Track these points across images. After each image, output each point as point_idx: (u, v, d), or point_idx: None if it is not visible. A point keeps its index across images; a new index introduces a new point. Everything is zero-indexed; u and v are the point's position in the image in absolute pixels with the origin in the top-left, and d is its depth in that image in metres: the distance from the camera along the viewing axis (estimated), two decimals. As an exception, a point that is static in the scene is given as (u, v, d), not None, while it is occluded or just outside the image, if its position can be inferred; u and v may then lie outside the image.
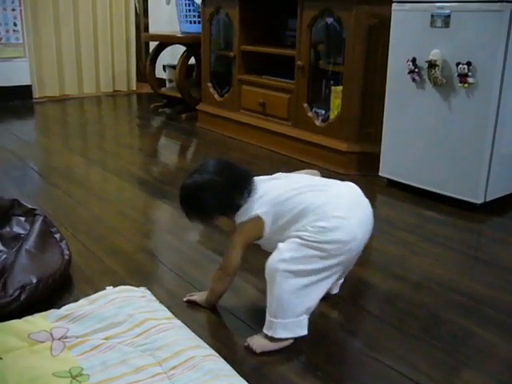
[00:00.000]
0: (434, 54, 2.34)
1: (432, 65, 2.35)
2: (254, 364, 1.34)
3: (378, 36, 2.75)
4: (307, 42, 3.03)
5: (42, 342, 1.35)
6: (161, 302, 1.53)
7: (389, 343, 1.45)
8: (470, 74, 2.25)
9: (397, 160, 2.65)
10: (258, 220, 1.41)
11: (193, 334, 1.39)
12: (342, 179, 1.51)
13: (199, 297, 1.59)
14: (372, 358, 1.38)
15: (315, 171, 1.63)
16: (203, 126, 3.93)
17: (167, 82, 4.80)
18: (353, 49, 2.79)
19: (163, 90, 4.63)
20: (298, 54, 3.09)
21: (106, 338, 1.37)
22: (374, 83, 2.81)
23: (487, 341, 1.48)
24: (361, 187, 1.49)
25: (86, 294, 1.57)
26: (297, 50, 3.09)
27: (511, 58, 2.21)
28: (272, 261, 1.36)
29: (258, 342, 1.39)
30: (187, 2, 4.15)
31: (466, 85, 2.28)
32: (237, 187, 1.41)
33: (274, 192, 1.42)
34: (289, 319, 1.36)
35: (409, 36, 2.47)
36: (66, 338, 1.37)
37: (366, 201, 1.46)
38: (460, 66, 2.27)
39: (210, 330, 1.50)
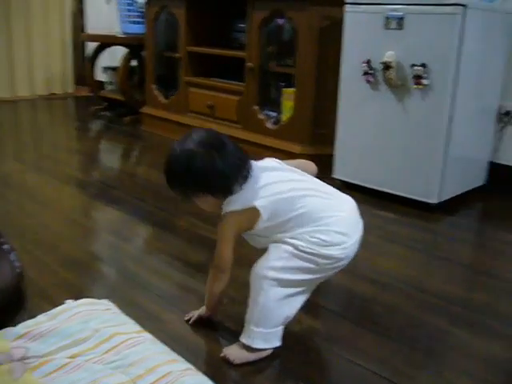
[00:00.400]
0: (389, 56, 2.35)
1: (387, 66, 2.36)
2: (234, 377, 1.28)
3: (330, 37, 2.74)
4: (257, 44, 2.99)
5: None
6: (126, 314, 1.44)
7: (367, 347, 1.42)
8: (424, 75, 2.28)
9: (351, 162, 2.65)
10: (253, 212, 1.28)
11: (166, 347, 1.30)
12: None
13: (200, 311, 1.47)
14: (352, 363, 1.35)
15: (309, 162, 1.53)
16: (148, 130, 3.81)
17: (107, 85, 4.64)
18: (305, 50, 2.77)
19: (103, 92, 4.47)
20: (248, 56, 3.04)
21: (71, 357, 1.26)
22: (327, 85, 2.80)
23: (461, 339, 1.48)
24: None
25: (44, 310, 1.44)
26: (247, 52, 3.05)
27: (464, 59, 2.25)
28: (260, 268, 1.29)
29: (235, 353, 1.32)
30: (128, 2, 4.02)
31: (421, 86, 2.30)
32: (235, 169, 1.28)
33: (276, 186, 1.30)
34: (270, 329, 1.30)
35: (362, 38, 2.48)
36: (27, 358, 1.25)
37: (362, 221, 1.39)
38: (415, 67, 2.29)
39: (180, 342, 1.41)
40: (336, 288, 1.73)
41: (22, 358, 1.25)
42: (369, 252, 2.00)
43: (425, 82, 2.28)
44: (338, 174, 2.71)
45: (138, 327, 1.37)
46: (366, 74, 2.46)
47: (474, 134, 2.57)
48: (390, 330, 1.50)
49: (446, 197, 2.44)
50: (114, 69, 4.40)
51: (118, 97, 4.16)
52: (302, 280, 1.29)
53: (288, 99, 2.93)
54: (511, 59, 2.59)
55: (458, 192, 2.55)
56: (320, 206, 1.30)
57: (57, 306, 1.45)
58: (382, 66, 2.38)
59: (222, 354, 1.32)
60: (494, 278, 1.86)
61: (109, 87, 4.59)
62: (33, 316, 1.41)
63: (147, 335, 1.33)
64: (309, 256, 1.26)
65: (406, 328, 1.52)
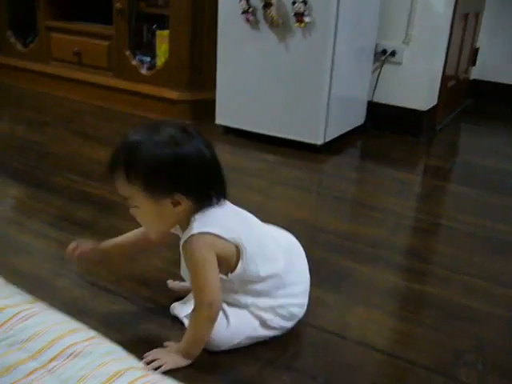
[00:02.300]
0: (269, -8, 2.27)
1: (267, 4, 2.27)
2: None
3: (205, -26, 2.59)
4: (125, -18, 2.76)
5: None
6: (13, 284, 1.27)
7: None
8: (306, 12, 2.22)
9: (233, 106, 2.56)
10: (234, 243, 1.05)
11: (63, 316, 1.16)
12: None
13: (169, 354, 1.07)
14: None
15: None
16: (4, 82, 3.43)
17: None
18: (179, -12, 2.60)
19: None
20: (115, -4, 2.80)
21: None
22: (203, 26, 2.67)
23: (366, 274, 1.49)
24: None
25: None
26: (114, -9, 2.80)
27: (344, -5, 2.23)
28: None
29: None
30: None
31: (303, 24, 2.25)
32: (221, 177, 1.07)
33: (255, 228, 1.14)
34: None
35: (240, -26, 2.36)
36: None
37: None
38: (296, 4, 2.22)
39: (79, 308, 1.28)
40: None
41: None
42: (260, 196, 1.96)
43: (306, 19, 2.23)
44: (220, 119, 2.62)
45: (29, 297, 1.21)
46: (244, 12, 2.36)
47: (354, 74, 2.58)
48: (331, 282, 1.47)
49: (330, 137, 2.46)
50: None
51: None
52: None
53: (163, 42, 2.76)
54: (385, -3, 2.62)
55: (341, 132, 2.57)
56: (288, 266, 1.15)
57: None
58: (261, 4, 2.29)
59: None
60: (381, 211, 1.90)
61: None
62: None
63: (40, 305, 1.19)
64: (274, 329, 1.15)
65: (313, 268, 1.49)
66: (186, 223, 1.05)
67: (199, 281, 1.04)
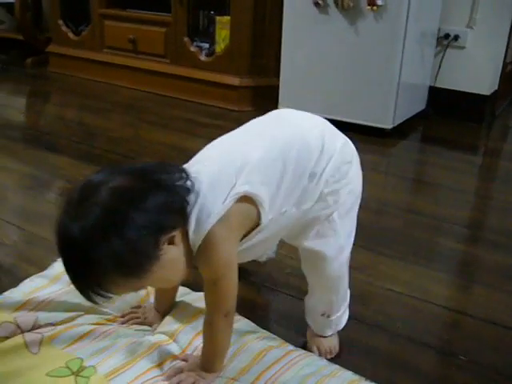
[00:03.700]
0: (341, -24, 2.24)
1: (338, -13, 2.26)
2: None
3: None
4: (185, -32, 2.75)
5: (6, 336, 1.04)
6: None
7: (392, 271, 1.38)
8: (378, -5, 2.20)
9: (298, 91, 2.54)
10: (245, 205, 0.86)
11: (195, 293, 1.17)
12: (236, 116, 1.20)
13: (198, 374, 0.94)
14: (382, 288, 1.30)
15: None
16: (56, 71, 3.43)
17: (-4, 24, 4.11)
18: (242, -26, 2.59)
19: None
20: (174, -18, 2.79)
21: (93, 324, 1.09)
22: (265, 11, 2.66)
23: (472, 255, 1.49)
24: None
25: (26, 272, 1.25)
26: (173, -23, 2.79)
27: (417, -23, 2.20)
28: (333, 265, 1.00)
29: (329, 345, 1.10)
30: None
31: (375, 7, 2.22)
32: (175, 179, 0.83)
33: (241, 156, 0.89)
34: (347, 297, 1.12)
35: (309, -43, 2.34)
36: (39, 327, 1.07)
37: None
38: (369, -13, 2.20)
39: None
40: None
41: (33, 328, 1.07)
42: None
43: (379, 2, 2.21)
44: (283, 105, 2.60)
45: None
46: (314, -4, 2.34)
47: (419, 58, 2.56)
48: (406, 253, 1.47)
49: (398, 121, 2.44)
50: (4, 5, 3.90)
51: (14, 36, 3.70)
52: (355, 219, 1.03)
53: (223, 28, 2.75)
54: (449, -20, 2.59)
55: (407, 117, 2.55)
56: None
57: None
58: (333, -12, 2.27)
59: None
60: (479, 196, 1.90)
61: (0, 26, 4.07)
62: (18, 281, 1.21)
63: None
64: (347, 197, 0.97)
65: (416, 249, 1.49)
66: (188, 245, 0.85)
67: (220, 290, 0.88)
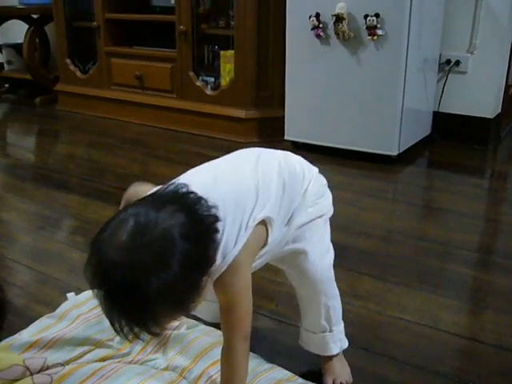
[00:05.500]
0: (341, 8, 2.28)
1: (339, 18, 2.29)
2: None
3: (269, -6, 2.63)
4: (188, 5, 2.80)
5: (15, 379, 1.04)
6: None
7: (398, 299, 1.37)
8: (378, 25, 2.23)
9: (303, 121, 2.58)
10: (259, 227, 0.89)
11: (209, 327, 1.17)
12: (243, 148, 1.14)
13: None
14: (391, 317, 1.29)
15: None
16: (65, 109, 3.50)
17: (5, 64, 4.20)
18: (244, 9, 2.64)
19: (4, 72, 4.05)
20: (178, 19, 2.85)
21: (101, 360, 1.10)
22: (268, 43, 2.70)
23: (482, 280, 1.48)
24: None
25: (37, 313, 1.26)
26: (177, 15, 2.85)
27: (415, 6, 2.23)
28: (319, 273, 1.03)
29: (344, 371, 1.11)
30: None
31: (375, 37, 2.26)
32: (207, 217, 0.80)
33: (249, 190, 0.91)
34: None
35: (309, -9, 2.39)
36: (48, 368, 1.07)
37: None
38: (368, 18, 2.24)
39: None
40: (340, 246, 1.67)
41: (43, 369, 1.08)
42: (351, 208, 1.96)
43: (379, 32, 2.24)
44: (289, 135, 2.63)
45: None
46: (314, 28, 2.38)
47: (422, 84, 2.58)
48: (415, 280, 1.46)
49: (403, 148, 2.45)
50: (12, 46, 4.00)
51: (23, 76, 3.78)
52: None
53: (227, 62, 2.80)
54: (448, 7, 2.62)
55: (412, 143, 2.57)
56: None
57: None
58: (333, 19, 2.31)
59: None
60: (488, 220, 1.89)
61: (8, 67, 4.16)
62: (29, 321, 1.22)
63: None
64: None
65: (424, 276, 1.49)
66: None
67: (239, 313, 0.88)
